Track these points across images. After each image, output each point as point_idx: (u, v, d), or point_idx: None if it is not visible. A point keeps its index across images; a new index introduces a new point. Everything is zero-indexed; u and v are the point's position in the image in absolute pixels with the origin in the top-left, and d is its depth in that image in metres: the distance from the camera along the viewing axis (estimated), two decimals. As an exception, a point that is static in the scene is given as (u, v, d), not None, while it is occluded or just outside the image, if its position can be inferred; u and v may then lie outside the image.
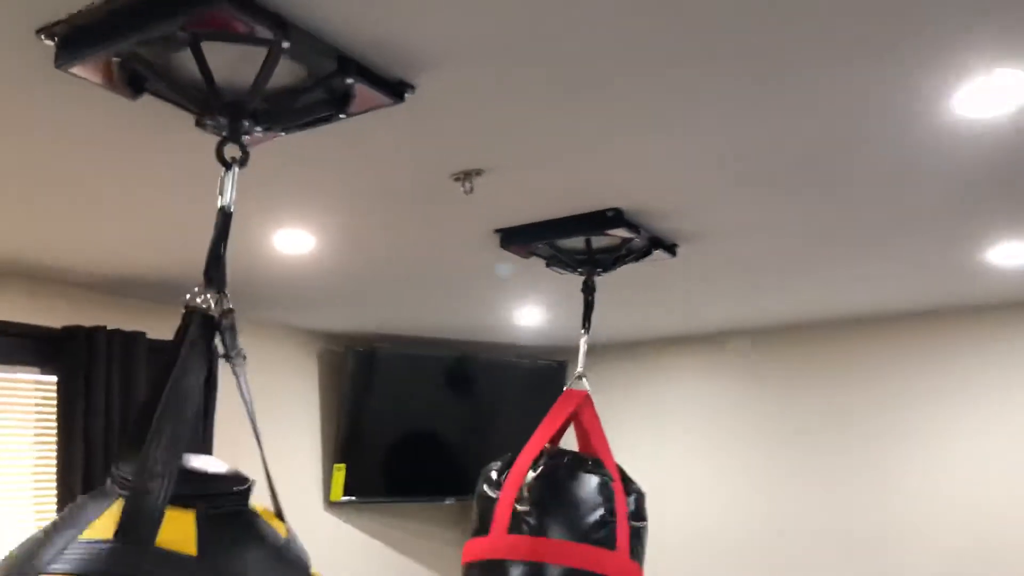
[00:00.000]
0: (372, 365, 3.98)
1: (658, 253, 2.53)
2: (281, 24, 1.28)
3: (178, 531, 1.18)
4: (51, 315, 2.83)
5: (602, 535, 1.97)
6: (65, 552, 1.14)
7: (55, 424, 2.76)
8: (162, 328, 3.07)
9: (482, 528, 2.07)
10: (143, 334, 2.96)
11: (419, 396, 4.19)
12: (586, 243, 2.44)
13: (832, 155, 1.87)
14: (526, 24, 1.31)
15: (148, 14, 1.23)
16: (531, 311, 3.52)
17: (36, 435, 2.83)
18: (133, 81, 1.41)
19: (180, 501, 1.18)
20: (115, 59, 1.35)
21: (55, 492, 2.74)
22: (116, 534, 1.13)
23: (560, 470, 2.04)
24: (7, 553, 1.21)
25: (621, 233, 2.33)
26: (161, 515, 1.16)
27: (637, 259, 2.54)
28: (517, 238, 2.38)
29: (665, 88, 1.53)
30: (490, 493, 2.08)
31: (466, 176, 1.96)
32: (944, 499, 3.42)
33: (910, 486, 3.51)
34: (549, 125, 1.70)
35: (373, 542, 4.18)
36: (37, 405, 2.85)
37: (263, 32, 1.27)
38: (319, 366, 3.99)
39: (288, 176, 1.95)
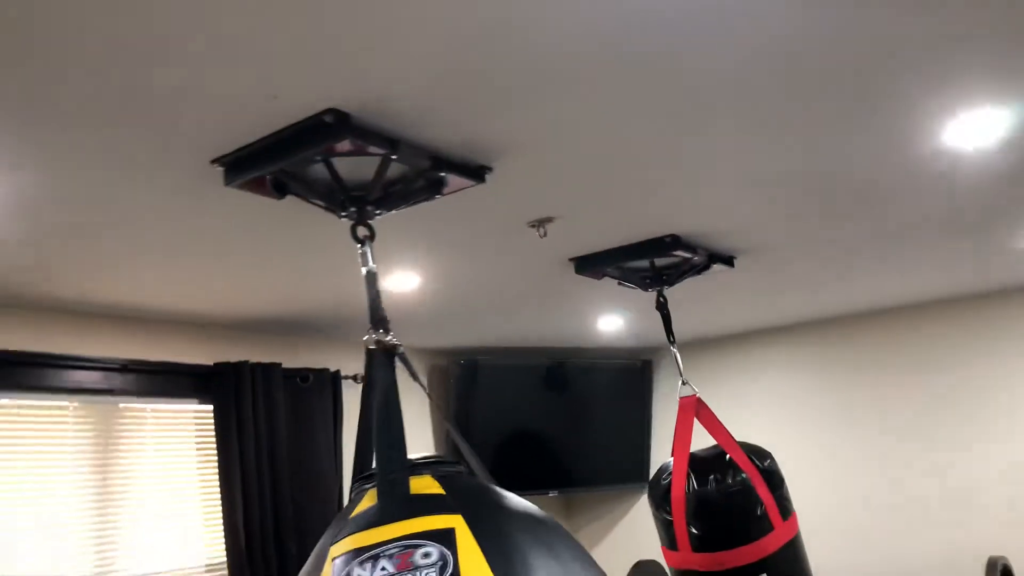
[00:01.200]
0: (475, 375, 4.32)
1: (717, 266, 2.86)
2: (391, 142, 1.69)
3: (424, 484, 1.42)
4: (204, 354, 3.35)
5: (762, 527, 2.43)
6: (341, 531, 1.38)
7: (214, 444, 3.27)
8: (293, 359, 3.59)
9: (671, 544, 2.52)
10: (279, 364, 3.44)
11: (518, 400, 4.54)
12: (650, 263, 2.78)
13: (858, 183, 2.18)
14: (574, 120, 1.69)
15: (294, 148, 1.66)
16: (612, 319, 3.87)
17: (198, 454, 3.35)
18: (278, 187, 1.85)
19: (414, 472, 1.44)
20: (267, 176, 1.79)
21: (219, 500, 3.24)
22: (378, 496, 1.39)
23: (710, 491, 2.45)
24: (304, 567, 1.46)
25: (680, 254, 2.67)
26: (407, 477, 1.41)
27: (699, 272, 2.86)
28: (588, 264, 2.74)
29: (705, 144, 1.88)
30: (665, 516, 2.52)
31: (539, 223, 2.34)
32: (997, 453, 3.66)
33: (959, 447, 3.74)
34: (602, 183, 2.07)
35: (486, 534, 4.60)
36: (197, 429, 3.37)
37: (377, 149, 1.68)
38: (428, 379, 4.43)
39: (396, 235, 2.37)
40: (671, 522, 2.50)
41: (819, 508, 4.15)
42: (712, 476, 2.50)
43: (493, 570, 1.26)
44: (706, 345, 4.61)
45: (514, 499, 1.49)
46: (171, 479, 3.24)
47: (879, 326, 4.06)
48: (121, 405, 3.13)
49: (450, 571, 1.23)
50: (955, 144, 1.93)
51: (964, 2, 1.34)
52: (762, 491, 2.45)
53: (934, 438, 3.87)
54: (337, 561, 1.31)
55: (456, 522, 1.31)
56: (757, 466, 2.51)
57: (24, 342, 2.83)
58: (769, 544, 2.43)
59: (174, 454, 3.28)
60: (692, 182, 2.11)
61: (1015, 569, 3.41)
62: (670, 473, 2.54)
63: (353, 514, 1.41)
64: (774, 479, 2.53)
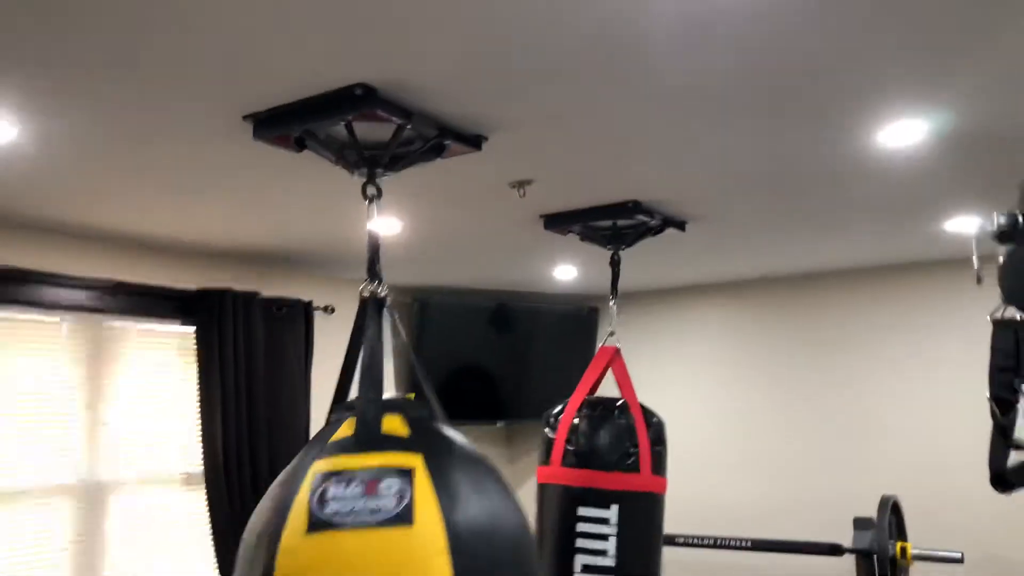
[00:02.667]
0: (426, 312, 4.58)
1: (670, 230, 3.18)
2: (407, 113, 1.94)
3: (394, 425, 1.69)
4: (187, 279, 3.56)
5: (629, 463, 2.66)
6: (324, 451, 1.64)
7: (195, 363, 3.51)
8: (269, 289, 3.82)
9: (546, 459, 2.76)
10: (257, 293, 3.68)
11: (467, 338, 4.80)
12: (612, 224, 3.08)
13: (800, 168, 2.51)
14: (562, 103, 1.97)
15: (323, 114, 1.89)
16: (567, 268, 4.18)
17: (180, 371, 3.58)
18: (299, 143, 2.08)
19: (387, 410, 1.71)
20: (293, 134, 2.02)
21: (198, 413, 3.49)
22: (355, 429, 1.66)
23: (595, 419, 2.71)
24: (275, 481, 1.73)
25: (640, 218, 2.98)
26: (381, 416, 1.68)
27: (654, 234, 3.17)
28: (557, 222, 3.02)
29: (671, 132, 2.18)
30: (549, 434, 2.78)
31: (520, 184, 2.62)
32: (896, 405, 4.15)
33: (868, 398, 4.24)
34: (578, 155, 2.35)
35: (437, 458, 4.96)
36: (180, 349, 3.60)
37: (395, 118, 1.93)
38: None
39: (389, 186, 2.61)
40: (552, 440, 2.73)
41: (737, 448, 4.61)
42: (602, 409, 2.73)
43: (440, 503, 1.56)
44: (649, 295, 4.98)
45: (460, 441, 1.79)
46: (154, 394, 3.48)
47: (808, 288, 4.50)
48: (110, 323, 3.34)
49: (406, 501, 1.54)
50: (885, 144, 2.26)
51: (891, 35, 1.64)
52: (642, 439, 2.67)
53: (845, 391, 4.35)
54: (317, 476, 1.59)
55: (416, 461, 1.61)
56: (647, 420, 2.74)
57: (20, 260, 3.01)
58: (631, 482, 2.62)
59: (157, 371, 3.51)
60: (656, 160, 2.41)
61: (904, 506, 3.91)
62: (567, 402, 2.79)
63: (333, 439, 1.68)
64: (657, 435, 2.74)
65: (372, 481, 1.56)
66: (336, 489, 1.55)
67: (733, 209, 3.00)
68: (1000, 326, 1.22)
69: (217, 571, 3.47)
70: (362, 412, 1.71)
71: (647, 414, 2.78)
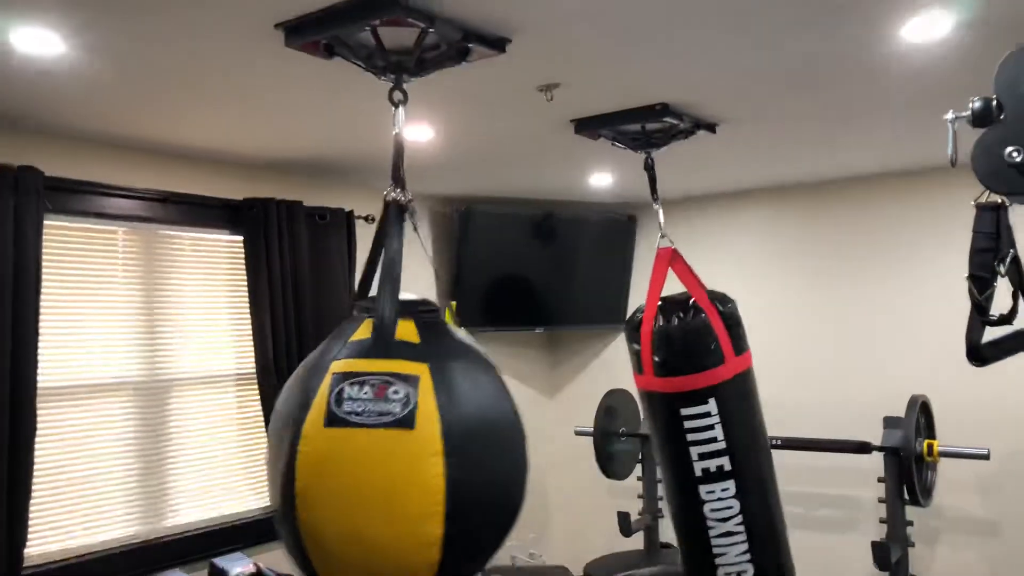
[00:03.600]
0: (470, 221, 4.66)
1: (701, 132, 3.20)
2: (430, 17, 2.00)
3: (406, 331, 1.88)
4: (234, 190, 3.71)
5: (715, 359, 2.83)
6: (343, 349, 1.84)
7: (244, 270, 3.69)
8: (312, 198, 3.96)
9: (639, 369, 2.95)
10: (301, 203, 3.81)
11: (510, 246, 4.88)
12: (642, 127, 3.12)
13: (825, 66, 2.51)
14: (579, 6, 2.00)
15: (349, 19, 1.96)
16: (602, 176, 4.23)
17: (229, 277, 3.77)
18: (328, 50, 2.16)
19: (402, 316, 1.89)
20: (322, 40, 2.10)
21: (248, 318, 3.70)
22: (372, 335, 1.85)
23: (673, 328, 2.84)
24: (296, 371, 1.94)
25: (669, 120, 3.01)
26: (395, 323, 1.86)
27: (684, 137, 3.20)
28: (587, 126, 3.08)
29: (694, 34, 2.20)
30: (635, 346, 2.95)
31: (547, 88, 2.67)
32: (929, 307, 4.17)
33: (900, 302, 4.27)
34: (604, 57, 2.39)
35: (478, 361, 5.15)
36: (229, 256, 3.78)
37: (418, 23, 1.99)
38: (429, 222, 4.83)
39: (418, 93, 2.69)
40: (639, 351, 2.94)
41: (777, 349, 4.69)
42: (677, 314, 2.91)
43: (440, 410, 1.77)
44: (688, 203, 5.02)
45: (464, 345, 1.98)
46: (206, 298, 3.68)
47: (841, 193, 4.48)
48: (162, 232, 3.52)
49: (411, 406, 1.75)
50: (910, 38, 2.26)
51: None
52: (719, 329, 2.84)
53: (879, 294, 4.38)
54: (335, 376, 1.80)
55: (422, 370, 1.80)
56: (718, 309, 2.90)
57: (76, 171, 3.17)
58: (720, 373, 2.83)
59: (208, 277, 3.70)
60: (682, 62, 2.43)
61: (934, 406, 3.98)
62: (643, 311, 2.98)
63: (353, 338, 1.88)
64: (731, 320, 2.92)
65: (383, 385, 1.77)
66: (351, 390, 1.77)
67: (763, 110, 3.01)
68: (982, 209, 1.27)
69: (272, 462, 3.72)
70: (379, 318, 1.86)
71: (717, 302, 2.91)
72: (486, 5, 1.99)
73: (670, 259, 3.00)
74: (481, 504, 1.81)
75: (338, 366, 1.81)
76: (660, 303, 2.95)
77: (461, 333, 2.03)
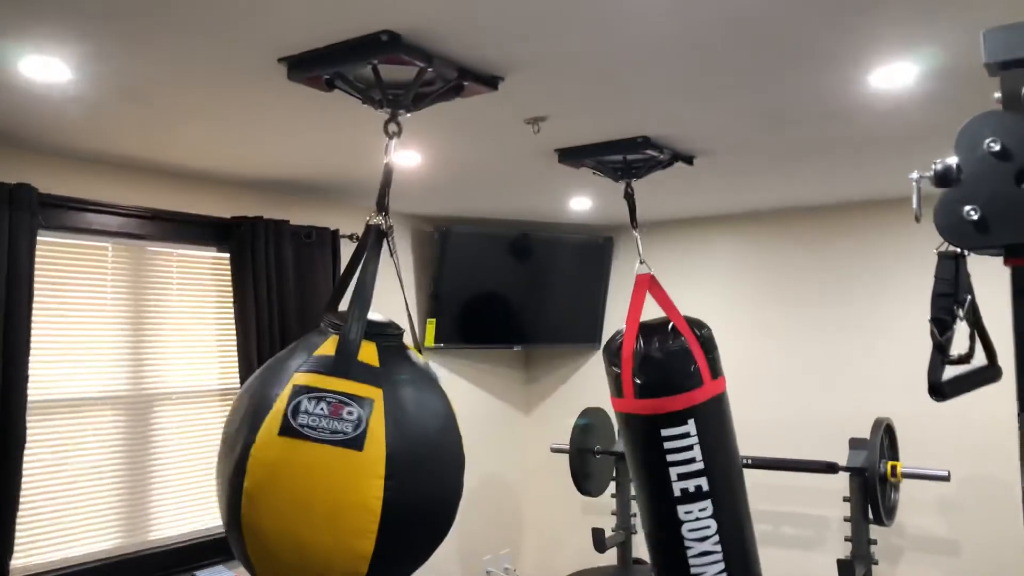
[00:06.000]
0: (448, 241, 4.76)
1: (679, 164, 3.34)
2: (428, 57, 2.10)
3: (368, 353, 2.02)
4: (221, 208, 3.77)
5: (694, 381, 2.93)
6: (306, 362, 1.98)
7: (230, 287, 3.75)
8: (298, 217, 4.03)
9: (618, 392, 3.03)
10: (287, 221, 3.88)
11: (488, 266, 4.98)
12: (623, 158, 3.24)
13: (797, 107, 2.65)
14: (574, 47, 2.12)
15: (351, 57, 2.06)
16: (582, 200, 4.35)
17: (216, 294, 3.83)
18: (329, 83, 2.26)
19: (366, 337, 2.04)
20: (323, 75, 2.20)
21: (234, 335, 3.76)
22: (336, 352, 1.98)
23: (653, 351, 2.94)
24: (259, 371, 2.06)
25: (649, 152, 3.13)
26: (359, 345, 2.01)
27: (663, 168, 3.34)
28: (570, 156, 3.19)
29: (676, 76, 2.32)
30: (615, 369, 3.03)
31: (534, 121, 2.78)
32: (894, 333, 4.32)
33: (866, 326, 4.42)
34: (590, 94, 2.50)
35: (457, 378, 5.21)
36: (215, 273, 3.84)
37: (417, 62, 2.09)
38: (412, 242, 4.91)
39: (409, 122, 2.79)
40: (619, 374, 3.04)
41: (748, 370, 4.83)
42: (657, 338, 3.03)
43: (387, 435, 1.91)
44: (663, 227, 5.16)
45: (424, 373, 2.11)
46: (192, 314, 3.73)
47: (812, 220, 4.64)
48: (151, 248, 3.57)
49: (362, 429, 1.89)
50: (878, 85, 2.40)
51: (880, -5, 1.78)
52: (697, 353, 2.96)
53: (846, 318, 4.53)
54: (296, 387, 1.92)
55: (376, 395, 1.96)
56: (695, 333, 3.02)
57: (69, 189, 3.23)
58: (698, 395, 2.95)
59: (195, 293, 3.75)
60: (662, 99, 2.55)
61: (897, 428, 4.13)
62: (623, 335, 3.08)
63: (317, 351, 2.01)
64: (708, 344, 3.03)
65: (338, 404, 1.90)
66: (308, 404, 1.90)
67: (737, 144, 3.14)
68: (943, 257, 1.40)
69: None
70: (344, 337, 1.99)
71: (694, 327, 3.02)
72: (482, 46, 2.09)
73: (648, 284, 3.11)
74: (412, 526, 1.94)
75: (299, 378, 1.94)
76: (639, 328, 3.05)
77: (419, 359, 2.15)
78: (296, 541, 1.86)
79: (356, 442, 1.87)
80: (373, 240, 2.15)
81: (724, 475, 2.98)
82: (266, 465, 1.87)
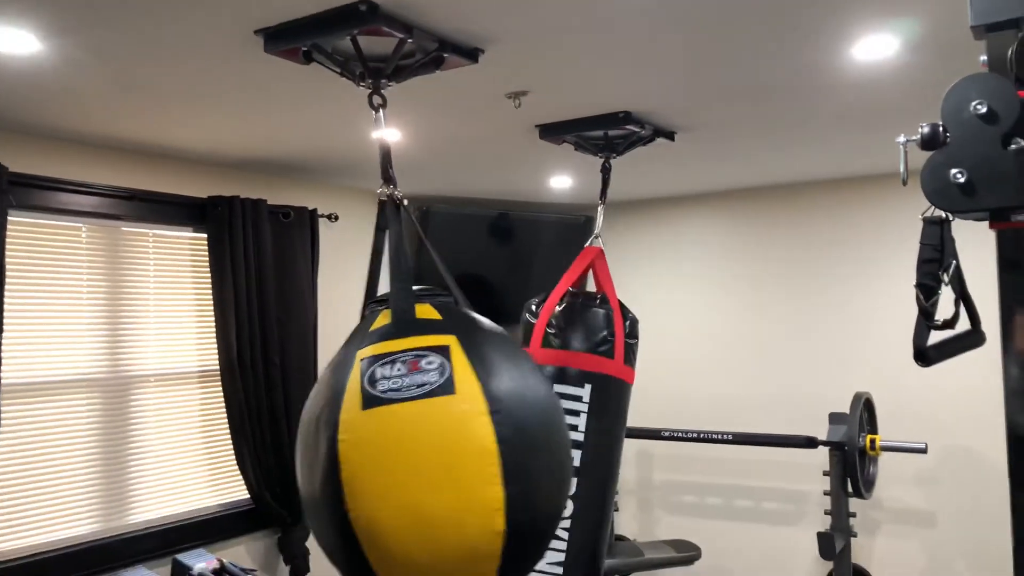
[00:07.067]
0: (429, 221, 4.71)
1: (660, 140, 3.33)
2: (408, 27, 2.07)
3: (425, 311, 1.89)
4: (198, 188, 3.72)
5: (605, 348, 2.83)
6: (365, 340, 1.83)
7: (208, 267, 3.71)
8: (276, 197, 3.98)
9: (526, 342, 2.97)
10: (265, 201, 3.84)
11: (467, 245, 4.95)
12: (604, 134, 3.22)
13: (780, 81, 2.64)
14: (555, 18, 2.09)
15: (330, 28, 2.02)
16: (562, 179, 4.33)
17: (193, 275, 3.78)
18: (307, 56, 2.22)
19: (419, 300, 1.91)
20: (301, 47, 2.16)
21: (212, 315, 3.72)
22: (392, 319, 1.83)
23: (577, 305, 2.88)
24: (320, 377, 1.91)
25: (630, 128, 3.12)
26: (413, 307, 1.86)
27: (645, 144, 3.32)
28: (551, 131, 3.16)
29: (657, 49, 2.31)
30: (530, 320, 2.98)
31: (515, 95, 2.75)
32: (874, 308, 4.36)
33: (846, 302, 4.45)
34: (571, 67, 2.48)
35: (438, 359, 5.21)
36: (192, 253, 3.78)
37: (396, 33, 2.06)
38: (391, 221, 4.87)
39: (390, 97, 2.75)
40: (533, 324, 2.90)
41: (728, 346, 4.86)
42: (583, 299, 2.89)
43: (476, 373, 1.77)
44: (644, 204, 5.15)
45: (487, 322, 1.99)
46: (170, 295, 3.69)
47: (791, 197, 4.66)
48: (126, 229, 3.52)
49: (447, 373, 1.74)
50: (860, 57, 2.40)
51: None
52: (618, 329, 2.82)
53: (824, 294, 4.56)
54: (364, 361, 1.79)
55: (451, 340, 1.81)
56: (623, 315, 2.89)
57: (42, 168, 3.16)
58: (605, 366, 2.78)
59: (172, 274, 3.70)
60: (644, 72, 2.54)
61: (876, 402, 4.17)
62: (550, 293, 2.96)
63: (372, 328, 1.86)
64: (632, 330, 2.90)
65: (415, 360, 1.76)
66: (383, 370, 1.75)
67: (719, 120, 3.13)
68: (928, 223, 1.40)
69: (234, 457, 3.74)
70: (396, 302, 1.90)
71: (624, 309, 2.94)
72: (462, 17, 2.06)
73: (594, 258, 3.00)
74: (535, 460, 1.76)
75: (364, 352, 1.79)
76: (569, 291, 2.93)
77: (480, 315, 2.03)
78: (420, 514, 1.65)
79: (446, 387, 1.71)
80: (391, 212, 2.09)
81: (598, 459, 2.79)
82: (360, 446, 1.69)
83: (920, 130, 1.22)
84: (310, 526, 1.84)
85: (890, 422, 4.31)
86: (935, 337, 1.44)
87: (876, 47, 2.31)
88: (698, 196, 4.99)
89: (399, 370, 1.74)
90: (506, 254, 5.12)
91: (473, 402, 1.71)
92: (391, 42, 2.12)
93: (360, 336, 1.89)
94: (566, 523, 2.73)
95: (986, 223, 1.28)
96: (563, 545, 2.73)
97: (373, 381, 1.73)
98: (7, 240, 2.94)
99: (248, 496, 3.81)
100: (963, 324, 1.53)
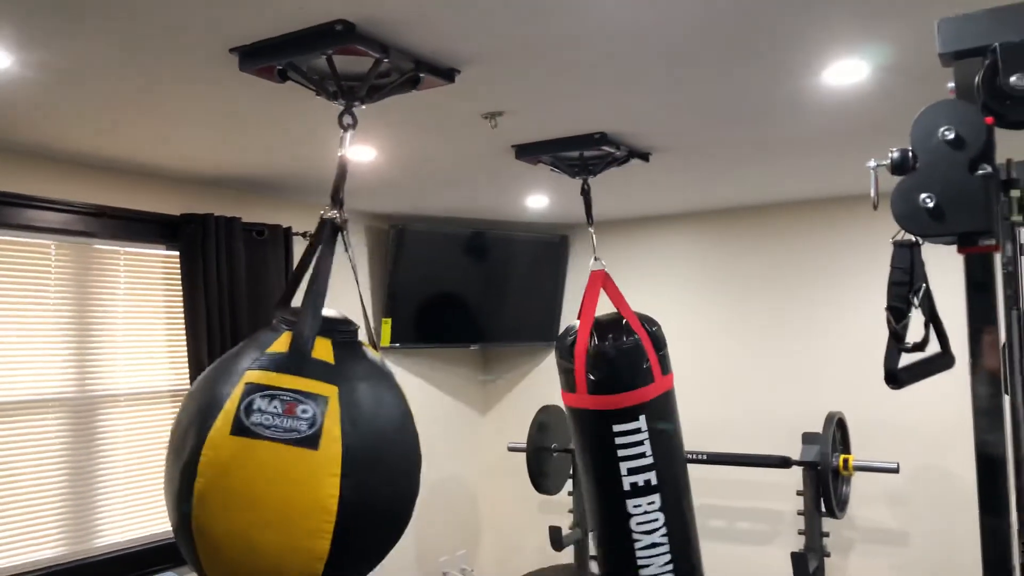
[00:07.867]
0: (403, 239, 4.71)
1: (635, 160, 3.35)
2: (384, 47, 2.07)
3: (323, 350, 1.95)
4: (171, 205, 3.68)
5: (646, 378, 2.95)
6: (258, 360, 1.89)
7: (180, 285, 3.66)
8: (250, 214, 3.95)
9: (570, 388, 3.02)
10: (239, 218, 3.80)
11: (443, 264, 4.95)
12: (580, 155, 3.24)
13: (753, 104, 2.67)
14: (531, 40, 2.10)
15: (305, 47, 2.02)
16: (538, 198, 4.34)
17: (165, 293, 3.74)
18: (282, 74, 2.21)
19: (320, 333, 1.96)
20: (276, 66, 2.15)
21: (184, 335, 3.67)
22: (289, 349, 1.92)
23: (608, 348, 2.94)
24: (207, 370, 1.97)
25: (606, 149, 3.14)
26: (313, 341, 1.95)
27: (620, 164, 3.35)
28: (527, 152, 3.18)
29: (633, 72, 2.32)
30: (567, 364, 3.02)
31: (491, 116, 2.76)
32: (846, 328, 4.40)
33: (819, 323, 4.49)
34: (548, 89, 2.49)
35: (413, 378, 5.16)
36: (164, 271, 3.74)
37: (373, 52, 2.06)
38: (367, 240, 4.86)
39: (364, 116, 2.75)
40: (572, 370, 3.02)
41: (702, 367, 4.87)
42: (610, 335, 3.01)
43: (342, 432, 1.85)
44: (619, 225, 5.18)
45: (376, 368, 2.05)
46: (140, 314, 3.64)
47: (763, 218, 4.70)
48: (97, 247, 3.47)
49: (316, 427, 1.83)
50: (831, 82, 2.43)
51: (834, -11, 1.80)
52: (649, 350, 2.98)
53: (798, 315, 4.60)
54: (247, 386, 1.85)
55: (331, 392, 1.89)
56: (647, 330, 3.01)
57: (9, 184, 3.12)
58: (649, 392, 2.96)
59: (144, 292, 3.66)
60: (620, 96, 2.56)
61: (849, 422, 4.20)
62: (576, 331, 3.07)
63: (270, 348, 1.94)
64: (659, 342, 3.04)
65: (292, 403, 1.84)
66: (261, 402, 1.83)
67: (693, 141, 3.16)
68: (898, 246, 1.41)
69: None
70: (299, 331, 1.93)
71: (646, 324, 3.03)
72: (439, 38, 2.07)
73: (602, 280, 3.11)
74: (369, 525, 1.90)
75: (251, 376, 1.87)
76: (592, 324, 3.05)
77: (375, 356, 2.10)
78: (249, 543, 1.79)
79: (311, 441, 1.80)
80: (328, 234, 2.10)
81: (671, 469, 3.01)
82: (218, 465, 1.80)
83: (890, 155, 1.24)
84: (164, 489, 1.97)
85: (863, 442, 4.34)
86: (906, 360, 1.45)
87: (847, 71, 2.35)
88: (672, 217, 5.02)
89: (275, 408, 1.83)
90: (482, 272, 5.12)
91: (329, 464, 1.81)
92: (367, 61, 2.12)
93: (256, 350, 1.94)
94: (662, 531, 2.97)
95: (955, 247, 1.30)
96: (664, 546, 2.97)
97: (249, 411, 1.82)
98: (-26, 257, 2.89)
99: (219, 518, 3.74)
100: (933, 347, 1.55)
